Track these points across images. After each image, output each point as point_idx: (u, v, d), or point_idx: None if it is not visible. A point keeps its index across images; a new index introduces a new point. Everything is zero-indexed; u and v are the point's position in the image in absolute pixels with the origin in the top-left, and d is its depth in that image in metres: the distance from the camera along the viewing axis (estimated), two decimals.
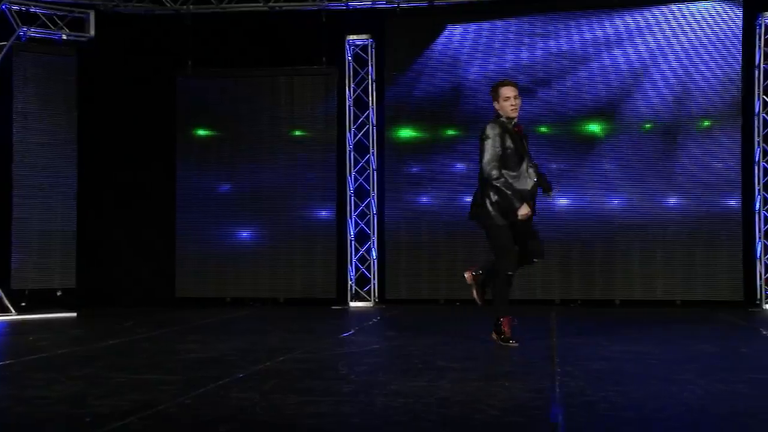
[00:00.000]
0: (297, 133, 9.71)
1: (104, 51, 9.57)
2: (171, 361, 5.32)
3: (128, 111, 9.85)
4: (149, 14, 9.68)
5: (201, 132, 9.83)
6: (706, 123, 9.02)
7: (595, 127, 9.24)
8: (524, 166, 5.79)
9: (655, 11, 9.17)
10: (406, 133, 9.60)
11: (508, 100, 5.76)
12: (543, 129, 9.25)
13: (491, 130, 5.74)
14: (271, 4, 9.47)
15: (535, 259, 5.88)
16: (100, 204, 9.84)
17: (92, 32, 8.86)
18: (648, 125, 9.14)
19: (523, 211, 5.67)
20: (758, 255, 8.92)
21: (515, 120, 5.82)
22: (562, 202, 9.23)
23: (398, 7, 9.45)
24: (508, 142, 5.74)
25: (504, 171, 5.71)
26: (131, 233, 9.89)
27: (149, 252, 9.94)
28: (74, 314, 8.60)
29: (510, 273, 5.76)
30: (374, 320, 8.03)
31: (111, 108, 9.83)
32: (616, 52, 9.20)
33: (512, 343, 5.75)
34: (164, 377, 4.68)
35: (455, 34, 9.47)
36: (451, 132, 9.50)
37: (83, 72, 9.29)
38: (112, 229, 9.88)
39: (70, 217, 9.13)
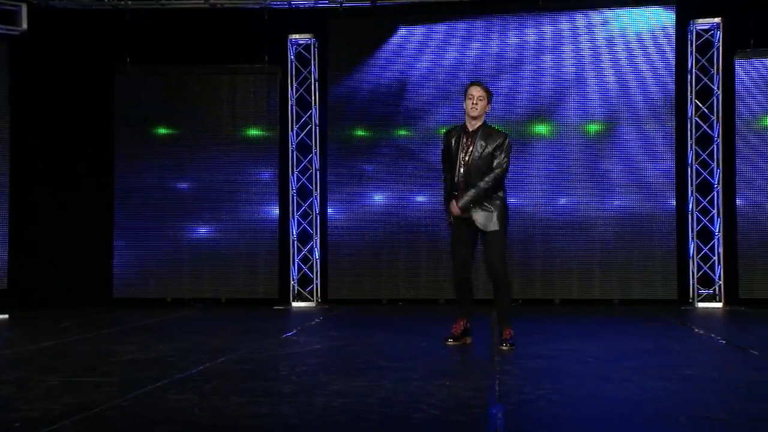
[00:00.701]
0: (239, 132, 9.62)
1: (39, 46, 9.34)
2: (108, 363, 5.22)
3: (64, 108, 9.62)
4: (86, 9, 9.47)
5: (140, 130, 9.65)
6: (642, 125, 9.23)
7: (533, 129, 9.38)
8: (456, 174, 5.80)
9: (593, 16, 9.34)
10: (348, 132, 9.60)
11: (471, 99, 5.76)
12: None
13: (446, 134, 5.96)
14: (212, 1, 9.36)
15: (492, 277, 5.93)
16: (34, 202, 9.59)
17: (24, 26, 8.61)
18: (585, 127, 9.30)
19: (454, 209, 5.76)
20: (691, 255, 9.17)
21: (478, 124, 5.79)
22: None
23: (341, 6, 9.44)
24: (452, 146, 5.83)
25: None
26: (67, 233, 9.67)
27: (86, 252, 9.72)
28: (6, 316, 8.35)
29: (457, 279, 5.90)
30: (316, 320, 8.01)
31: (46, 104, 9.59)
32: (555, 54, 9.35)
33: (449, 342, 5.90)
34: (100, 379, 4.59)
35: (398, 33, 9.50)
36: (393, 132, 9.53)
37: (16, 67, 9.03)
38: (47, 228, 9.65)
39: (1, 216, 8.85)
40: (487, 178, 5.72)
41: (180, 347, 5.93)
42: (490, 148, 5.74)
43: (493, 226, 5.76)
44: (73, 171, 9.68)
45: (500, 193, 5.84)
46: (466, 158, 5.75)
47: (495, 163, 5.75)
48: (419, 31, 9.49)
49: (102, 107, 9.68)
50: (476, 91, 5.77)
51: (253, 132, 9.61)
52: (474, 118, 5.78)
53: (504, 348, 5.70)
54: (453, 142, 5.82)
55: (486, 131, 5.79)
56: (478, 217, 5.76)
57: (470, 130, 5.80)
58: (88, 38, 9.64)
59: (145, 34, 9.57)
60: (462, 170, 5.76)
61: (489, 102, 5.84)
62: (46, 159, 9.60)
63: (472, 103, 5.74)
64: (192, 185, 9.61)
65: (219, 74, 9.62)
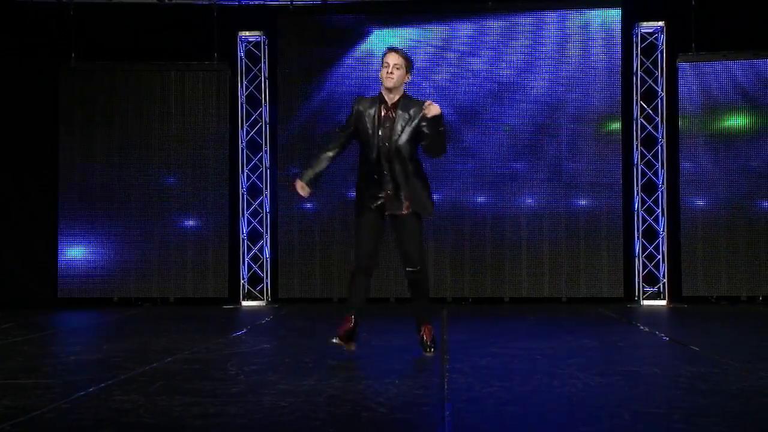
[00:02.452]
0: (188, 129, 9.49)
1: None
2: (50, 364, 5.11)
3: (6, 104, 9.37)
4: (28, 2, 9.24)
5: (85, 127, 9.46)
6: (589, 126, 9.37)
7: (479, 129, 9.44)
8: (373, 154, 5.06)
9: (540, 17, 9.44)
10: (300, 130, 9.55)
11: (386, 67, 5.05)
12: None
13: (356, 103, 5.16)
14: None
15: (406, 268, 5.24)
16: None
17: None
18: (532, 127, 9.40)
19: (298, 187, 5.17)
20: (637, 253, 9.35)
21: (396, 96, 5.08)
22: (453, 202, 9.39)
23: (291, 3, 9.39)
24: (368, 120, 5.06)
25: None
26: (9, 231, 9.41)
27: (29, 251, 9.49)
28: None
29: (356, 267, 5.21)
30: (266, 319, 7.96)
31: None
32: (503, 54, 9.44)
33: (335, 341, 5.24)
34: (41, 381, 4.49)
35: (350, 31, 9.49)
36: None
37: None
38: None
39: None
40: (440, 129, 5.00)
41: (125, 347, 5.84)
42: (415, 121, 5.04)
43: (417, 208, 5.11)
44: (16, 169, 9.43)
45: (419, 172, 5.16)
46: (388, 134, 5.03)
47: (423, 133, 5.06)
48: (371, 29, 9.49)
49: (46, 104, 9.46)
50: (392, 58, 5.03)
51: (203, 129, 9.49)
52: (390, 89, 5.06)
53: (428, 354, 5.26)
54: (367, 115, 5.06)
55: (407, 102, 5.08)
56: (413, 200, 5.09)
57: (389, 103, 5.09)
58: (30, 32, 9.41)
59: (91, 29, 9.38)
60: (382, 148, 5.04)
61: (408, 72, 5.10)
62: None
63: (387, 72, 5.01)
64: (139, 183, 9.46)
65: (168, 71, 9.49)
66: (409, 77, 5.13)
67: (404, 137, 5.07)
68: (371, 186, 5.14)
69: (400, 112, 5.08)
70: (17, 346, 6.05)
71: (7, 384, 4.43)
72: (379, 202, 5.14)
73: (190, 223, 9.46)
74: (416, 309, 5.41)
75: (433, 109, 4.98)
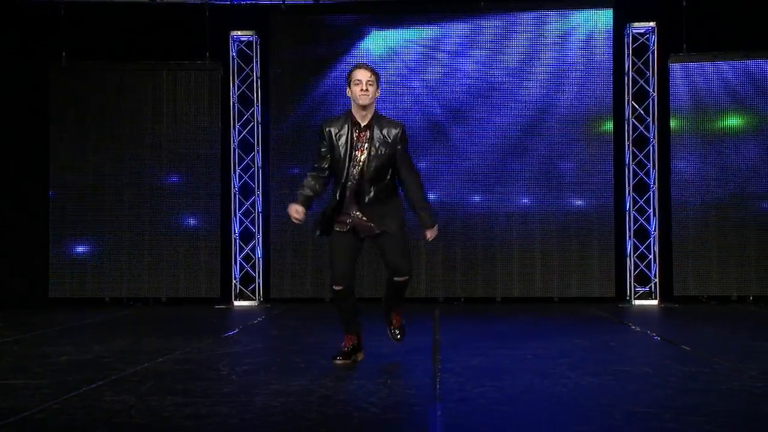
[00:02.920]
0: (180, 129, 9.47)
1: None
2: (40, 364, 5.09)
3: None
4: (19, 1, 9.20)
5: (76, 127, 9.43)
6: (581, 126, 9.39)
7: (472, 129, 9.45)
8: (344, 176, 4.81)
9: (533, 17, 9.46)
10: (291, 130, 9.54)
11: (358, 85, 4.77)
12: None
13: (325, 125, 4.88)
14: None
15: (395, 278, 4.99)
16: None
17: None
18: (524, 127, 9.41)
19: (292, 211, 4.89)
20: (628, 253, 9.37)
21: (369, 115, 4.83)
22: (444, 201, 9.40)
23: (283, 3, 9.38)
24: (340, 142, 4.81)
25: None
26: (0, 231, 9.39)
27: (20, 251, 9.45)
28: None
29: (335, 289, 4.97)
30: (258, 319, 7.95)
31: None
32: (494, 54, 9.45)
33: (338, 361, 5.03)
34: (32, 382, 4.47)
35: (342, 31, 9.48)
36: None
37: None
38: None
39: None
40: (415, 185, 4.91)
41: (117, 348, 5.82)
42: (389, 142, 4.81)
43: (393, 225, 4.88)
44: (6, 169, 9.40)
45: (392, 195, 4.96)
46: (362, 157, 4.80)
47: (401, 160, 4.85)
48: (363, 29, 9.48)
49: (37, 103, 9.42)
50: (363, 75, 4.77)
51: (195, 129, 9.48)
52: (364, 107, 4.80)
53: (397, 334, 5.22)
54: (339, 137, 4.81)
55: (380, 122, 4.85)
56: (370, 222, 4.86)
57: (362, 123, 4.83)
58: (21, 31, 9.37)
59: (82, 29, 9.35)
60: (355, 171, 4.80)
61: (378, 86, 4.86)
62: None
63: (361, 90, 4.74)
64: (131, 183, 9.44)
65: (159, 71, 9.46)
66: (379, 92, 4.89)
67: (379, 161, 4.81)
68: (339, 209, 4.86)
69: (375, 133, 4.82)
70: (7, 346, 6.02)
71: None
72: (348, 227, 4.87)
73: (182, 223, 9.44)
74: (388, 300, 5.18)
75: (431, 237, 5.01)
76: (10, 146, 9.39)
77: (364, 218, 4.86)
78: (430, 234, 5.01)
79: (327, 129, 4.87)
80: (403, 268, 4.94)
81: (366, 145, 4.81)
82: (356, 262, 5.00)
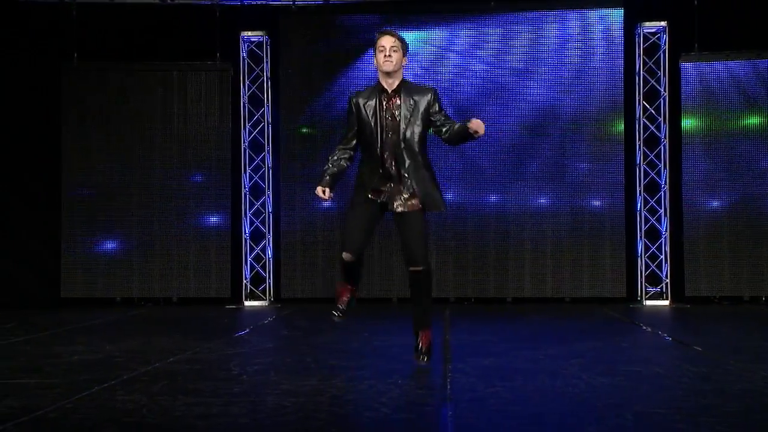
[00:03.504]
0: (190, 129, 9.50)
1: None
2: (52, 364, 5.11)
3: (8, 104, 9.38)
4: (30, 2, 9.25)
5: (87, 127, 9.47)
6: (592, 126, 9.36)
7: (490, 128, 9.42)
8: (378, 146, 4.70)
9: (543, 17, 9.43)
10: (301, 131, 9.55)
11: (382, 51, 4.66)
12: None
13: (353, 97, 4.80)
14: None
15: (410, 267, 4.82)
16: None
17: None
18: (534, 127, 9.39)
19: (319, 192, 4.82)
20: (639, 253, 9.34)
21: (396, 81, 4.71)
22: (455, 201, 9.40)
23: (294, 4, 9.39)
24: (369, 112, 4.71)
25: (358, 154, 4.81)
26: (12, 232, 9.42)
27: (32, 251, 9.49)
28: None
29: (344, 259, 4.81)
30: (269, 319, 7.96)
31: None
32: (505, 54, 9.43)
33: (338, 313, 4.97)
34: (44, 381, 4.49)
35: (352, 31, 9.48)
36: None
37: None
38: None
39: None
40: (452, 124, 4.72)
41: (128, 347, 5.84)
42: (421, 106, 4.70)
43: (424, 202, 4.73)
44: (18, 169, 9.44)
45: (428, 163, 4.82)
46: (393, 125, 4.69)
47: (440, 122, 4.74)
48: (373, 29, 9.47)
49: (48, 104, 9.47)
50: (387, 41, 4.66)
51: (205, 129, 9.50)
52: (389, 74, 4.68)
53: (422, 363, 4.86)
54: (367, 107, 4.71)
55: (409, 87, 4.76)
56: (402, 195, 4.72)
57: (390, 90, 4.72)
58: (33, 32, 9.42)
59: (93, 29, 9.39)
60: (387, 138, 4.69)
61: (405, 54, 4.74)
62: None
63: (385, 56, 4.63)
64: (142, 183, 9.47)
65: (170, 71, 9.49)
66: (406, 60, 4.77)
67: (412, 127, 4.70)
68: (374, 180, 4.74)
69: (403, 98, 4.70)
70: (20, 345, 6.05)
71: (10, 384, 4.43)
72: (383, 198, 4.75)
73: (193, 223, 9.47)
74: (416, 311, 4.95)
75: (480, 130, 4.66)
76: (22, 146, 9.44)
77: (399, 189, 4.72)
78: (478, 125, 4.62)
79: (355, 100, 4.78)
80: (418, 255, 4.75)
81: (397, 111, 4.70)
82: (372, 234, 4.87)
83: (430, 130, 4.86)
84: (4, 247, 9.41)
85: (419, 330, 4.93)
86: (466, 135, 4.71)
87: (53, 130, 9.47)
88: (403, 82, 4.77)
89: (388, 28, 4.92)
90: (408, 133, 4.71)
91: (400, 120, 4.70)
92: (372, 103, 4.73)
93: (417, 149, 4.74)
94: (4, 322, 7.53)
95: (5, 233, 9.42)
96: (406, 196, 4.73)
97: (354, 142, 4.86)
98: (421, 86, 4.87)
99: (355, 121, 4.79)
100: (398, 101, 4.71)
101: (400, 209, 4.76)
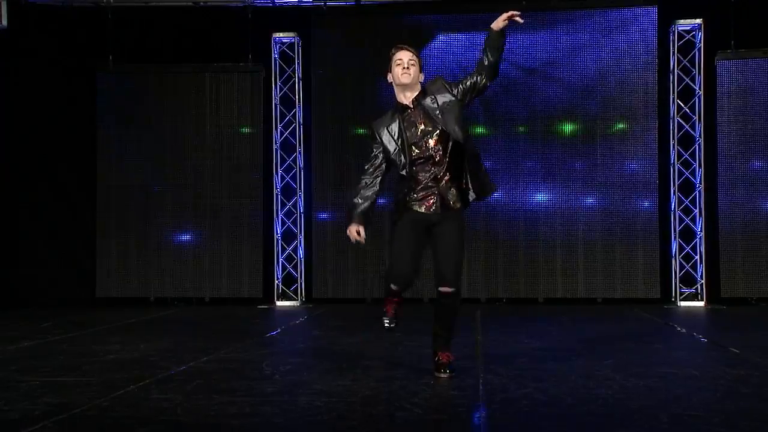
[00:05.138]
0: (222, 130, 9.58)
1: (18, 43, 9.26)
2: (89, 362, 5.19)
3: (45, 106, 9.53)
4: (67, 6, 9.39)
5: (122, 129, 9.59)
6: (625, 125, 9.28)
7: (515, 128, 9.40)
8: (407, 165, 4.48)
9: (576, 15, 9.36)
10: (333, 131, 9.58)
11: (399, 65, 4.55)
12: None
13: (375, 126, 4.61)
14: None
15: (439, 288, 4.58)
16: (15, 202, 9.51)
17: (4, 22, 8.51)
18: (568, 126, 9.34)
19: (353, 235, 4.57)
20: (673, 254, 9.23)
21: (414, 94, 4.54)
22: (486, 201, 9.35)
23: (325, 5, 9.42)
24: (393, 132, 4.53)
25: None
26: (49, 232, 9.58)
27: (68, 251, 9.65)
28: None
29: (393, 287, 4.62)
30: (300, 319, 8.00)
31: (27, 103, 9.50)
32: (539, 51, 9.37)
33: (388, 323, 4.65)
34: (81, 379, 4.56)
35: (382, 32, 9.49)
36: None
37: None
38: (28, 227, 9.56)
39: None
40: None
41: (162, 347, 5.90)
42: (441, 96, 4.53)
43: (477, 191, 4.60)
44: (55, 170, 9.59)
45: (477, 156, 4.60)
46: (420, 129, 4.49)
47: (465, 85, 4.57)
48: (404, 30, 9.48)
49: (84, 106, 9.61)
50: (405, 55, 4.55)
51: (237, 131, 9.57)
52: (407, 87, 4.54)
53: (443, 375, 4.58)
54: (390, 131, 4.54)
55: (424, 93, 4.57)
56: (448, 195, 4.50)
57: (407, 103, 4.56)
58: (69, 36, 9.57)
59: (128, 32, 9.51)
60: (418, 147, 4.48)
61: (421, 69, 4.62)
62: (27, 157, 9.51)
63: (403, 68, 4.51)
64: (175, 183, 9.57)
65: (202, 72, 9.58)
66: (422, 76, 4.62)
67: (448, 120, 4.48)
68: (416, 192, 4.53)
69: (423, 104, 4.52)
70: (58, 344, 6.15)
71: (48, 381, 4.51)
72: (431, 205, 4.52)
73: (225, 223, 9.54)
74: (440, 332, 4.67)
75: (501, 23, 4.59)
76: (58, 148, 9.58)
77: (445, 191, 4.50)
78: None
79: (377, 129, 4.60)
80: (449, 273, 4.51)
81: (420, 117, 4.51)
82: (421, 259, 4.59)
83: (468, 106, 4.65)
84: (42, 248, 9.57)
85: (440, 350, 4.66)
86: (494, 43, 4.65)
87: (89, 132, 9.61)
88: (419, 93, 4.58)
89: (403, 44, 4.73)
90: (449, 128, 4.47)
91: (424, 126, 4.49)
92: (394, 126, 4.55)
93: (459, 149, 4.51)
94: (42, 322, 7.65)
95: (43, 234, 9.58)
96: (450, 196, 4.53)
97: (383, 166, 4.63)
98: (429, 82, 4.64)
99: (381, 148, 4.59)
100: (419, 110, 4.53)
101: (445, 212, 4.52)
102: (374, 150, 4.63)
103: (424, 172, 4.52)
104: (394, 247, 4.62)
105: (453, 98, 4.54)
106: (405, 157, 4.51)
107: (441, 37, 9.49)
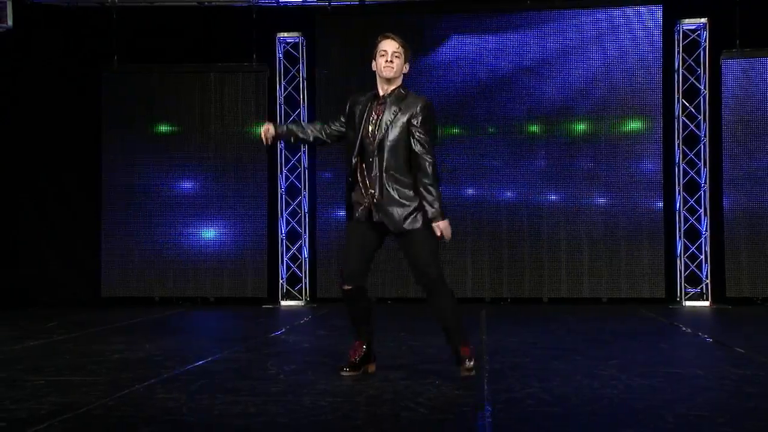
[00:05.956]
0: (227, 130, 9.59)
1: (23, 43, 9.27)
2: (94, 362, 5.19)
3: (50, 106, 9.55)
4: (72, 6, 9.41)
5: (127, 129, 9.60)
6: (630, 125, 9.26)
7: (521, 127, 9.38)
8: (354, 150, 4.43)
9: (580, 15, 9.34)
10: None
11: (383, 56, 4.45)
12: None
13: (351, 98, 4.62)
14: None
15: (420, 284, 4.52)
16: (19, 202, 9.53)
17: (9, 22, 8.53)
18: (573, 126, 9.32)
19: (263, 128, 4.66)
20: (678, 253, 9.21)
21: (391, 88, 4.45)
22: (490, 201, 9.36)
23: (329, 5, 9.43)
24: (357, 112, 4.49)
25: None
26: (53, 232, 9.59)
27: (72, 251, 9.66)
28: None
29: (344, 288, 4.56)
30: (305, 319, 8.00)
31: (30, 102, 9.51)
32: (544, 53, 9.36)
33: (345, 372, 4.59)
34: (87, 379, 4.57)
35: (387, 32, 9.47)
36: None
37: (0, 64, 8.97)
38: (32, 227, 9.57)
39: None
40: (423, 167, 4.36)
41: (167, 346, 5.91)
42: (404, 117, 4.39)
43: (415, 223, 4.39)
44: (59, 170, 9.61)
45: (408, 181, 4.42)
46: (372, 129, 4.42)
47: (416, 138, 4.37)
48: (408, 29, 9.48)
49: (88, 106, 9.62)
50: (391, 45, 4.43)
51: (242, 130, 9.58)
52: (388, 80, 4.45)
53: (467, 370, 4.42)
54: (356, 108, 4.51)
55: (401, 94, 4.46)
56: (392, 215, 4.40)
57: (381, 94, 4.48)
58: (74, 36, 9.59)
59: (132, 32, 9.53)
60: (367, 144, 4.42)
61: (407, 60, 4.50)
62: (31, 157, 9.53)
63: (386, 61, 4.41)
64: (180, 184, 9.58)
65: (207, 72, 9.59)
66: (407, 68, 4.51)
67: (391, 134, 4.39)
68: (355, 190, 4.50)
69: (391, 104, 4.42)
70: (63, 344, 6.16)
71: (54, 381, 4.52)
72: (363, 210, 4.47)
73: (230, 223, 9.55)
74: (444, 326, 4.52)
75: (440, 233, 4.40)
76: (62, 148, 9.59)
77: (382, 199, 4.39)
78: (437, 229, 4.38)
79: (350, 100, 4.59)
80: (428, 272, 4.40)
81: (380, 116, 4.43)
82: (372, 260, 4.56)
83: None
84: (46, 248, 9.59)
85: (453, 343, 4.49)
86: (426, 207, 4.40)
87: (93, 131, 9.63)
88: (399, 88, 4.49)
89: (391, 33, 4.55)
90: (384, 139, 4.39)
91: (378, 125, 4.41)
92: (361, 104, 4.52)
93: (398, 161, 4.40)
94: (47, 321, 7.67)
95: (47, 234, 9.60)
96: (385, 209, 4.41)
97: (335, 128, 4.65)
98: (417, 97, 4.52)
99: (346, 119, 4.59)
100: (384, 108, 4.44)
101: (396, 230, 4.43)
102: (340, 117, 4.66)
103: (362, 172, 4.48)
104: (345, 247, 4.66)
105: (409, 122, 4.40)
106: (356, 143, 4.46)
107: (445, 37, 9.47)
